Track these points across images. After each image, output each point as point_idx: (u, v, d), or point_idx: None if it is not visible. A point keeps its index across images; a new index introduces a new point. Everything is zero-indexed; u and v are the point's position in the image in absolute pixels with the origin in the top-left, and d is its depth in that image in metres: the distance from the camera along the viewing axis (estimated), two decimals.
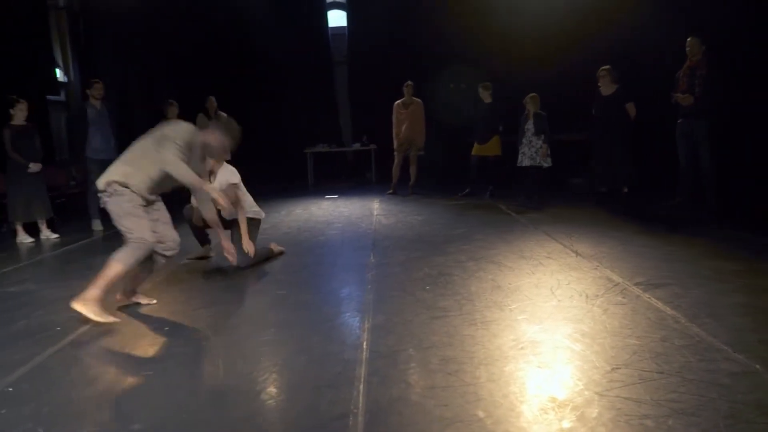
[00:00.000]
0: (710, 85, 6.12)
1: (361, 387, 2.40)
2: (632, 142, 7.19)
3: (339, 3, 11.32)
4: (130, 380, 2.61)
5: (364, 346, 2.86)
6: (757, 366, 2.42)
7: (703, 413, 2.06)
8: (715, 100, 6.14)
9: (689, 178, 6.45)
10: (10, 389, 2.58)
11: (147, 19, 10.46)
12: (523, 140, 7.73)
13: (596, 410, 2.11)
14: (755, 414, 2.05)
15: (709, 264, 4.09)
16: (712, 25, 6.61)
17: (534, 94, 7.66)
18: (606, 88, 7.15)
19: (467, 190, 8.36)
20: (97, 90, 6.85)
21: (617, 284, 3.69)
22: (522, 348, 2.73)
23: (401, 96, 8.73)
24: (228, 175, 4.68)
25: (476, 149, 8.34)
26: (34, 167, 6.33)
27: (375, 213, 7.22)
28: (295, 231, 6.23)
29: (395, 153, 8.91)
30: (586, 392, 2.26)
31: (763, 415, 2.03)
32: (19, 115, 6.31)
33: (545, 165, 7.69)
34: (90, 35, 10.61)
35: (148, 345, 3.06)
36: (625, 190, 7.35)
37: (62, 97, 10.43)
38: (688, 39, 6.25)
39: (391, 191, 8.91)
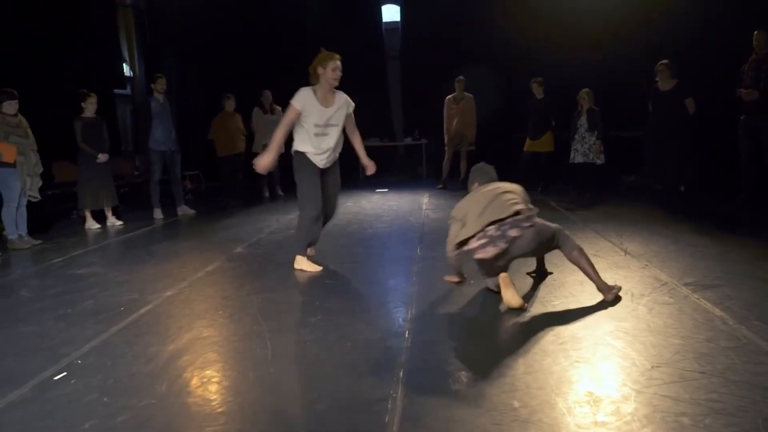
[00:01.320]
0: None
1: (401, 374, 2.49)
2: (691, 139, 6.97)
3: None
4: (186, 359, 2.79)
5: (406, 335, 2.95)
6: None
7: (745, 414, 2.04)
8: None
9: (753, 177, 6.22)
10: (79, 361, 2.81)
11: (206, 15, 10.84)
12: (576, 136, 7.61)
13: (632, 406, 2.13)
14: None
15: (765, 266, 3.95)
16: None
17: (588, 89, 7.53)
18: (664, 83, 6.94)
19: None
20: (160, 84, 7.18)
21: (665, 284, 3.63)
22: (562, 343, 2.75)
23: (453, 91, 8.75)
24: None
25: (528, 145, 8.27)
26: (102, 157, 6.72)
27: (424, 207, 7.28)
28: (344, 223, 6.37)
29: (446, 148, 8.94)
30: (624, 388, 2.27)
31: None
32: (90, 108, 6.70)
33: (598, 162, 7.55)
34: (154, 31, 11.09)
35: (202, 327, 3.24)
36: (682, 188, 7.13)
37: (128, 90, 10.96)
38: (755, 32, 5.99)
39: (441, 186, 8.94)
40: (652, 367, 2.45)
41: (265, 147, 8.67)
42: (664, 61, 6.92)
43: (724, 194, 6.67)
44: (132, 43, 10.90)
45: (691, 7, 7.83)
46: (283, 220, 6.77)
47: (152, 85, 7.30)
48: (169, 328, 3.25)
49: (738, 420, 2.01)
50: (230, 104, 8.52)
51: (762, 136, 6.00)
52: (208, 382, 2.53)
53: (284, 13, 10.87)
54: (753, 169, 6.19)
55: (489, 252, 3.23)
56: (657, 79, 6.98)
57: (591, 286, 3.62)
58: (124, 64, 10.86)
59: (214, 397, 2.40)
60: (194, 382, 2.54)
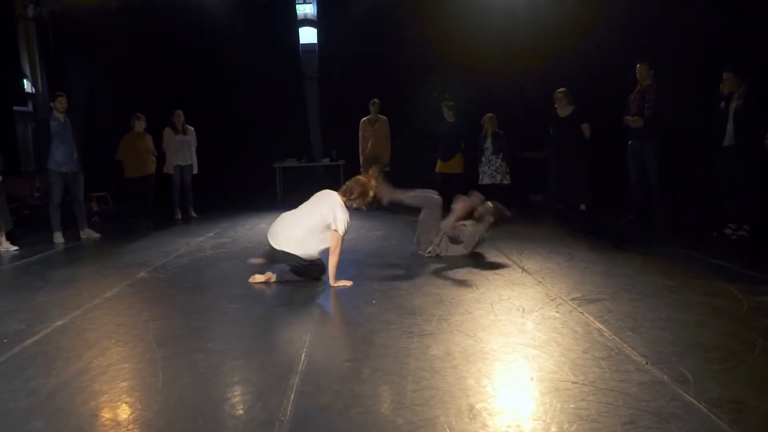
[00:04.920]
0: (659, 109, 6.40)
1: (292, 396, 2.51)
2: (588, 160, 7.45)
3: (310, 20, 11.51)
4: (69, 391, 2.67)
5: (303, 357, 2.97)
6: (665, 377, 2.59)
7: (606, 419, 2.21)
8: (664, 123, 6.42)
9: (639, 196, 6.72)
10: None
11: (116, 32, 10.53)
12: (483, 159, 7.95)
13: (509, 417, 2.25)
14: (653, 420, 2.20)
15: (645, 280, 4.28)
16: (662, 51, 6.92)
17: (491, 114, 7.89)
18: (562, 109, 7.41)
19: None
20: (60, 103, 6.87)
21: (554, 299, 3.86)
22: (452, 360, 2.86)
23: (370, 112, 8.92)
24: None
25: (439, 166, 8.53)
26: None
27: None
28: (255, 245, 6.30)
29: (361, 169, 9.06)
30: (502, 401, 2.40)
31: (660, 422, 2.19)
32: None
33: (505, 182, 7.91)
34: (59, 46, 10.63)
35: (92, 357, 3.11)
36: (582, 207, 7.59)
37: (29, 107, 10.41)
38: (638, 65, 6.52)
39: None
40: (530, 378, 2.60)
41: (176, 168, 8.57)
42: (562, 89, 7.41)
43: (618, 212, 7.15)
44: (34, 57, 10.39)
45: (587, 43, 8.36)
46: (193, 243, 6.60)
47: (52, 104, 6.98)
48: (55, 360, 3.10)
49: (599, 425, 2.17)
50: (140, 124, 8.27)
51: (646, 159, 6.51)
52: (91, 416, 2.44)
53: (200, 33, 10.72)
54: (639, 189, 6.69)
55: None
56: (556, 105, 7.44)
57: (487, 304, 3.80)
58: (24, 80, 10.31)
59: (96, 431, 2.31)
60: (76, 416, 2.44)
